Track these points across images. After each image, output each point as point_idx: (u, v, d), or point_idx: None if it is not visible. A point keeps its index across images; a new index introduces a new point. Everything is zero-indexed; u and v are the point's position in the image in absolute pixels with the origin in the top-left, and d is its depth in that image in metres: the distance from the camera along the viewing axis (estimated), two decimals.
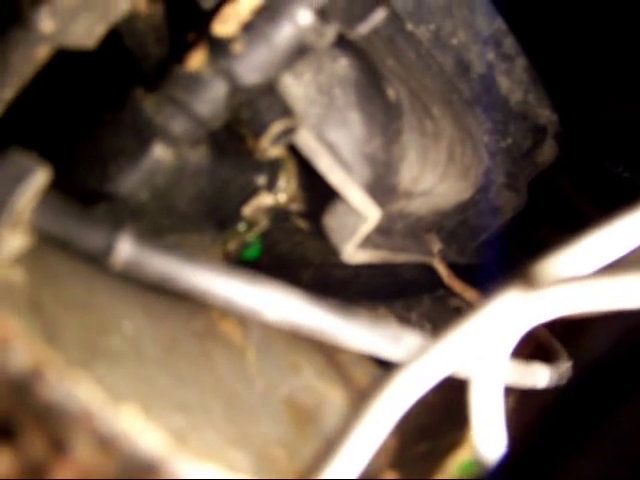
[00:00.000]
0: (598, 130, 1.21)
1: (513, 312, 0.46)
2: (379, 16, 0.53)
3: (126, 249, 0.39)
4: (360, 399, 0.44)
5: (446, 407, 0.63)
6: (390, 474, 0.53)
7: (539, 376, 0.59)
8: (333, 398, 0.56)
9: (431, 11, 0.82)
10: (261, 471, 0.43)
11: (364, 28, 0.54)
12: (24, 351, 0.31)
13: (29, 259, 0.40)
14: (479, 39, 0.87)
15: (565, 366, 0.68)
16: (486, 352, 0.49)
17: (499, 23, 0.87)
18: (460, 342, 0.45)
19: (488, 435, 0.50)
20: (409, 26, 0.82)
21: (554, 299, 0.45)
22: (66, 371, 0.31)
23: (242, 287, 0.41)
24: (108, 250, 0.39)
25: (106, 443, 0.31)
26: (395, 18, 0.81)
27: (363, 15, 0.53)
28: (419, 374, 0.45)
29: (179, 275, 0.40)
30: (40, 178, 0.39)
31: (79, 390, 0.31)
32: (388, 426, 0.43)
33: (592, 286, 0.43)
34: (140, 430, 0.32)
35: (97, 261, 0.39)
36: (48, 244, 0.40)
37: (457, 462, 0.55)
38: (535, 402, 0.63)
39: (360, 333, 0.44)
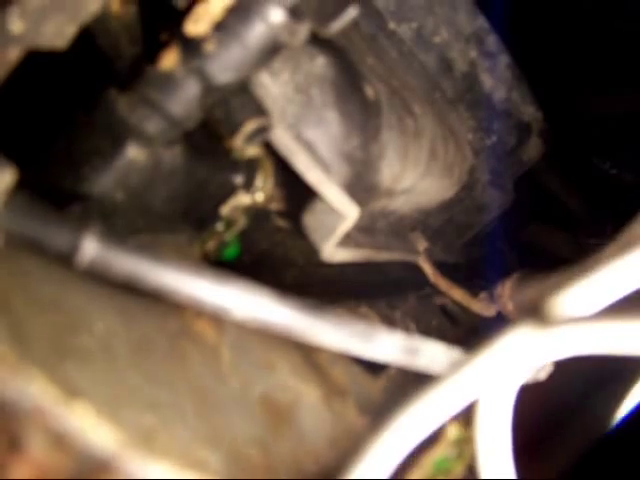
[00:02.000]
0: (585, 127, 1.21)
1: (525, 348, 0.47)
2: (351, 14, 0.53)
3: (91, 248, 0.39)
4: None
5: None
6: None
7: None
8: (308, 396, 0.56)
9: (413, 9, 0.83)
10: (233, 469, 0.43)
11: (336, 26, 0.54)
12: None
13: None
14: (461, 37, 0.87)
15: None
16: (495, 386, 0.50)
17: (481, 21, 0.87)
18: (472, 375, 0.46)
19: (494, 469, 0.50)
20: (391, 24, 0.82)
21: (566, 338, 0.45)
22: (18, 368, 0.31)
23: (208, 286, 0.41)
24: (73, 250, 0.39)
25: (59, 440, 0.31)
26: (377, 16, 0.81)
27: (335, 13, 0.53)
28: (433, 405, 0.45)
29: (145, 274, 0.40)
30: (6, 178, 0.39)
31: (31, 387, 0.31)
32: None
33: (603, 328, 0.43)
34: (92, 427, 0.32)
35: (64, 261, 0.39)
36: (16, 244, 0.40)
37: (433, 459, 0.55)
38: None
39: (328, 331, 0.44)
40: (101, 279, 0.41)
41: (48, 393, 0.31)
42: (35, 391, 0.31)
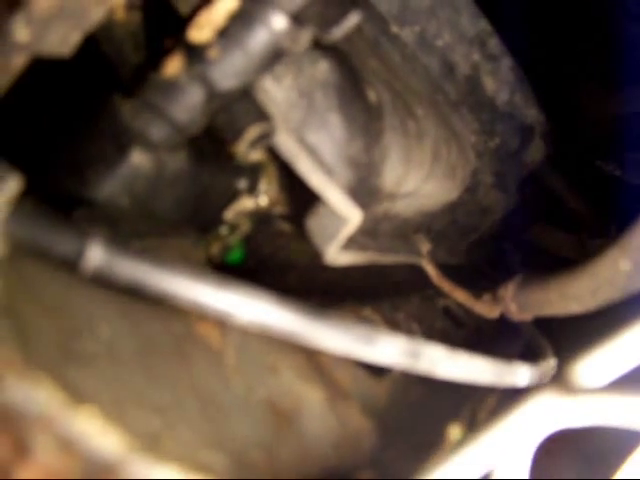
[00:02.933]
0: (589, 129, 1.21)
1: (546, 414, 0.47)
2: (353, 20, 0.54)
3: (96, 255, 0.40)
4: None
5: (427, 407, 0.64)
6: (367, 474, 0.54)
7: (519, 375, 0.59)
8: (312, 399, 0.56)
9: (415, 13, 0.83)
10: (238, 472, 0.43)
11: (338, 32, 0.54)
12: None
13: (4, 266, 0.40)
14: (464, 40, 0.87)
15: (550, 365, 0.68)
16: (514, 448, 0.51)
17: (483, 24, 0.88)
18: (494, 439, 0.47)
19: None
20: (394, 28, 0.82)
21: (588, 407, 0.46)
22: (25, 373, 0.32)
23: (211, 291, 0.41)
24: (79, 256, 0.40)
25: (66, 444, 0.31)
26: (379, 20, 0.81)
27: (337, 19, 0.54)
28: (457, 468, 0.46)
29: (149, 280, 0.40)
30: (12, 186, 0.39)
31: (38, 392, 0.32)
32: None
33: (624, 401, 0.44)
34: (99, 431, 0.32)
35: (69, 267, 0.40)
36: (22, 250, 0.40)
37: (437, 462, 0.55)
38: None
39: (331, 334, 0.44)
40: (106, 284, 0.42)
41: (55, 398, 0.32)
42: (42, 396, 0.32)
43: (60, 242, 0.40)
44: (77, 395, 0.32)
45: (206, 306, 0.41)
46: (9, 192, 0.39)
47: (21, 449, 0.31)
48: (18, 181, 0.40)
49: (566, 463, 0.85)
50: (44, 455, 0.31)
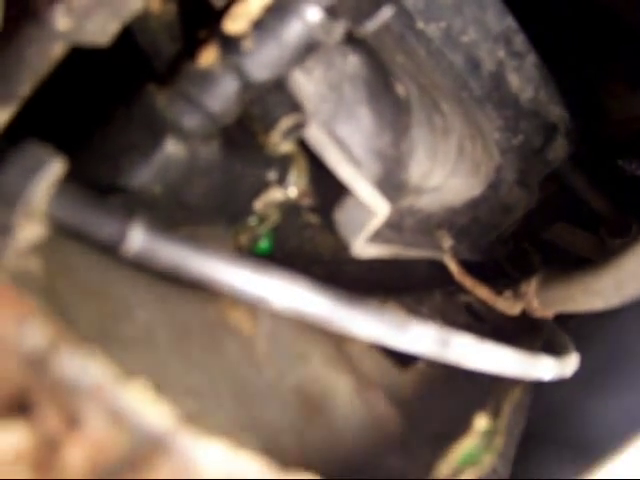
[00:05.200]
0: (612, 129, 1.21)
1: None
2: (386, 14, 0.54)
3: (138, 238, 0.40)
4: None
5: (452, 398, 0.64)
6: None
7: (544, 368, 0.60)
8: (340, 387, 0.57)
9: (441, 9, 0.83)
10: (269, 455, 0.44)
11: (372, 25, 0.55)
12: (39, 327, 0.32)
13: (45, 249, 0.41)
14: (489, 37, 0.88)
15: (572, 359, 0.69)
16: None
17: (509, 21, 0.88)
18: None
19: None
20: (420, 24, 0.83)
21: None
22: (80, 346, 0.32)
23: (249, 275, 0.42)
24: (120, 239, 0.40)
25: (116, 417, 0.32)
26: (406, 16, 0.82)
27: (371, 12, 0.54)
28: None
29: (188, 263, 0.41)
30: (55, 169, 0.40)
31: (91, 365, 0.32)
32: None
33: None
34: (148, 405, 0.33)
35: (110, 250, 0.41)
36: (63, 234, 0.41)
37: (461, 449, 0.56)
38: None
39: (365, 321, 0.45)
40: (143, 268, 0.43)
41: (107, 371, 0.33)
42: (95, 368, 0.32)
43: (102, 224, 0.40)
44: (127, 371, 0.33)
45: (243, 291, 0.42)
46: (52, 175, 0.40)
47: (71, 421, 0.32)
48: (61, 165, 0.41)
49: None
50: (94, 428, 0.32)
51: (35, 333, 0.32)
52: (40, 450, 0.31)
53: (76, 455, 0.31)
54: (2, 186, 0.39)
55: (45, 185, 0.40)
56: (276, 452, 0.46)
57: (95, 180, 0.53)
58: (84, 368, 0.32)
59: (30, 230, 0.40)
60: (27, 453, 0.31)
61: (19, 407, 0.31)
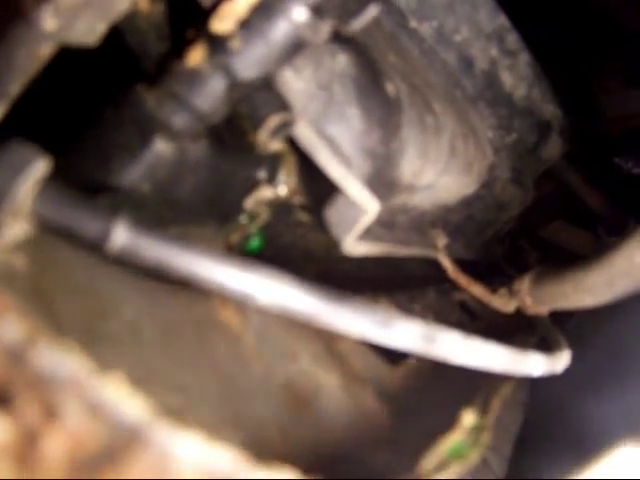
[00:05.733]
0: (607, 126, 1.21)
1: None
2: (373, 12, 0.55)
3: (122, 235, 0.41)
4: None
5: (441, 394, 0.64)
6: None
7: (533, 364, 0.60)
8: (329, 383, 0.57)
9: (434, 8, 0.84)
10: (252, 448, 0.44)
11: (358, 24, 0.55)
12: (18, 322, 0.33)
13: (30, 246, 0.42)
14: (482, 35, 0.88)
15: (563, 356, 0.69)
16: None
17: (502, 19, 0.88)
18: None
19: None
20: (412, 23, 0.83)
21: None
22: (57, 340, 0.33)
23: (233, 272, 0.42)
24: (105, 236, 0.41)
25: (94, 409, 0.32)
26: (398, 15, 0.82)
27: (357, 11, 0.55)
28: None
29: (172, 260, 0.41)
30: (41, 168, 0.41)
31: (68, 358, 0.33)
32: None
33: None
34: (125, 397, 0.33)
35: (95, 247, 0.41)
36: (49, 231, 0.42)
37: (448, 444, 0.56)
38: None
39: (351, 317, 0.45)
40: (130, 266, 0.43)
41: (84, 364, 0.33)
42: (72, 362, 0.33)
43: (87, 222, 0.41)
44: (104, 365, 0.34)
45: (229, 287, 0.42)
46: (37, 174, 0.40)
47: (50, 414, 0.32)
48: (46, 163, 0.41)
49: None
50: (72, 420, 0.32)
51: (12, 328, 0.32)
52: (20, 442, 0.32)
53: (55, 447, 0.32)
54: None
55: (30, 183, 0.40)
56: (261, 447, 0.46)
57: (85, 179, 0.53)
58: (61, 361, 0.32)
59: (15, 228, 0.40)
60: (8, 445, 0.32)
61: (1, 400, 0.32)
